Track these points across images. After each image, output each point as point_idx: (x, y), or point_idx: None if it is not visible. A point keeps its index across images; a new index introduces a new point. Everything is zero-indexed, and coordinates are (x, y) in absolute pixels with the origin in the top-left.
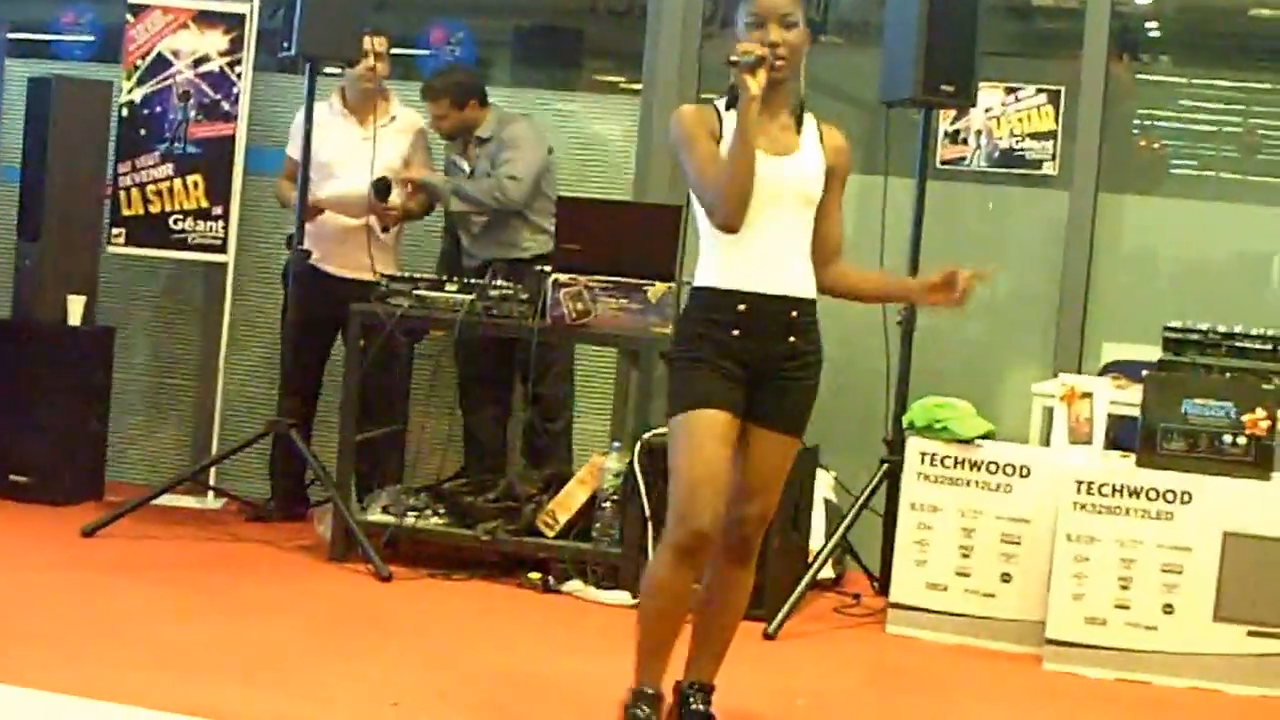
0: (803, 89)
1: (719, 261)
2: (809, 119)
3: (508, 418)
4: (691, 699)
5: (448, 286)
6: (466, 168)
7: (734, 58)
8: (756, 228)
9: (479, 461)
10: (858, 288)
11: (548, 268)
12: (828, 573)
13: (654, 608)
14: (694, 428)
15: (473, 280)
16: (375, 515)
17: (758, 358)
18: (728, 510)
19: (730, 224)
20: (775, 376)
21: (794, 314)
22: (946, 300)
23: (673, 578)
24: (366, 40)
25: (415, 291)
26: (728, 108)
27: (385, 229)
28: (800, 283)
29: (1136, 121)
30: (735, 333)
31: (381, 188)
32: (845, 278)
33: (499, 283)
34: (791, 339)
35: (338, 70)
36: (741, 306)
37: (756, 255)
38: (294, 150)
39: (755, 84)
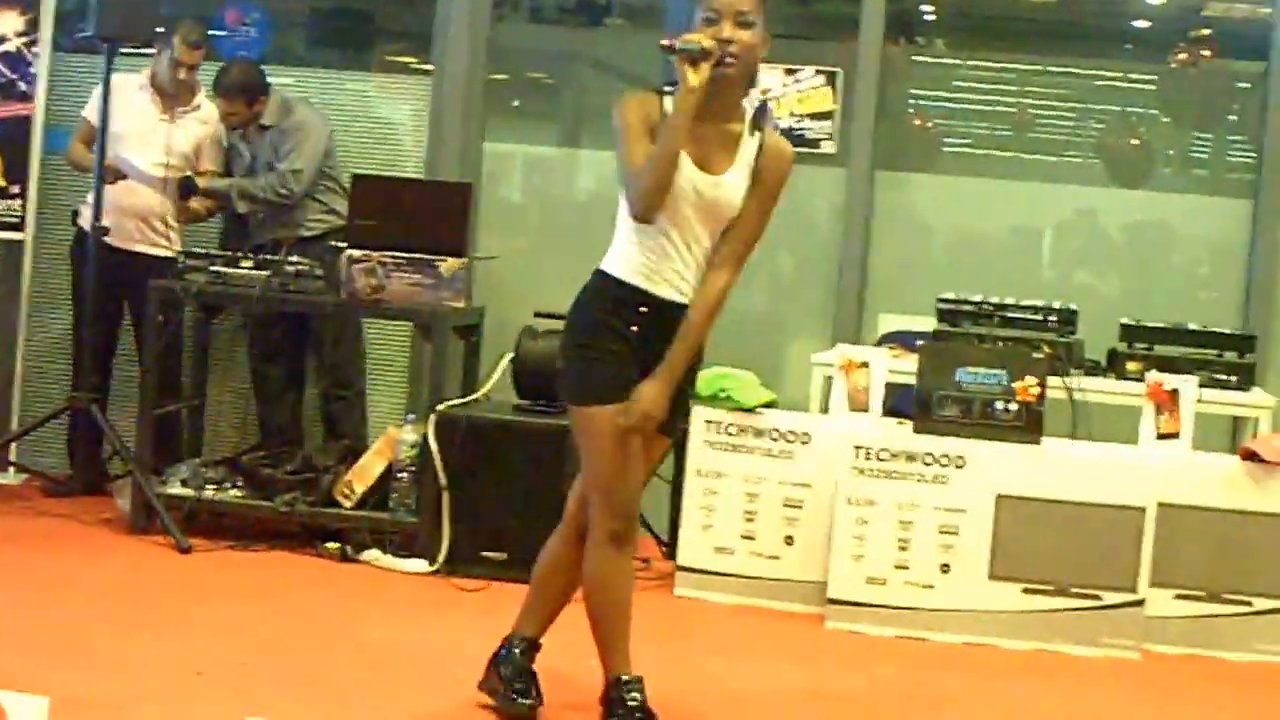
0: (755, 95)
1: (633, 255)
2: (753, 134)
3: (302, 391)
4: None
5: (244, 263)
6: (247, 154)
7: (669, 42)
8: (672, 234)
9: (275, 435)
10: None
11: (340, 244)
12: None
13: (605, 599)
14: (607, 423)
15: (268, 256)
16: (175, 488)
17: (648, 358)
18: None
19: (646, 216)
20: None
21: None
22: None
23: (606, 568)
24: (178, 46)
25: (212, 268)
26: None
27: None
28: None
29: (912, 101)
30: (634, 329)
31: (187, 188)
32: (697, 297)
33: (294, 259)
34: None
35: (153, 51)
36: (644, 308)
37: (670, 261)
38: (90, 113)
39: (695, 77)
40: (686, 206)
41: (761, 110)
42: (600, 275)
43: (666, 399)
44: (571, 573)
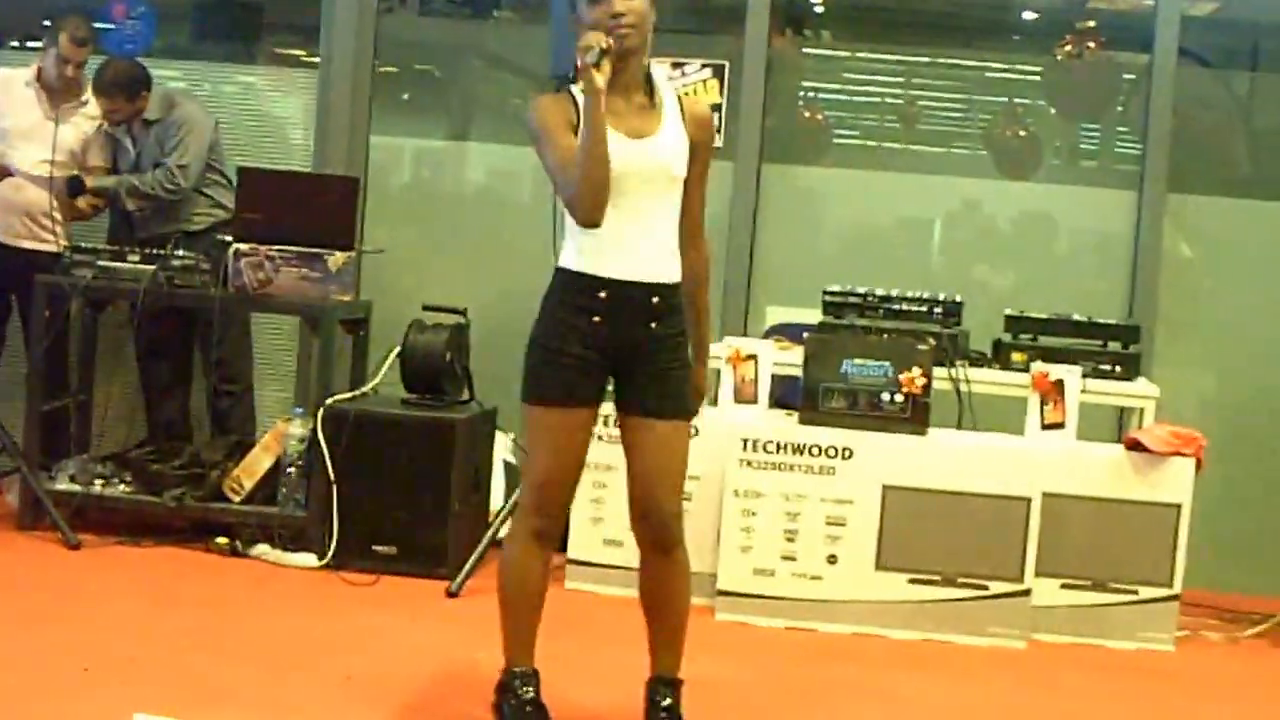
0: (648, 62)
1: (582, 245)
2: (668, 92)
3: (189, 386)
4: (656, 694)
5: (130, 257)
6: (133, 150)
7: (579, 63)
8: (619, 213)
9: (164, 430)
10: (687, 299)
11: (227, 237)
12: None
13: (512, 591)
14: (551, 424)
15: (155, 251)
16: (63, 484)
17: (619, 345)
18: (637, 503)
19: (590, 221)
20: (646, 364)
21: (655, 300)
22: None
23: (525, 560)
24: (63, 43)
25: (98, 263)
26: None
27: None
28: (662, 267)
29: (801, 94)
30: (596, 319)
31: (75, 186)
32: (690, 281)
33: (180, 253)
34: (653, 325)
35: (39, 45)
36: (603, 294)
37: (619, 241)
38: None
39: (600, 77)
40: (629, 181)
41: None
42: (557, 271)
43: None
44: (655, 593)
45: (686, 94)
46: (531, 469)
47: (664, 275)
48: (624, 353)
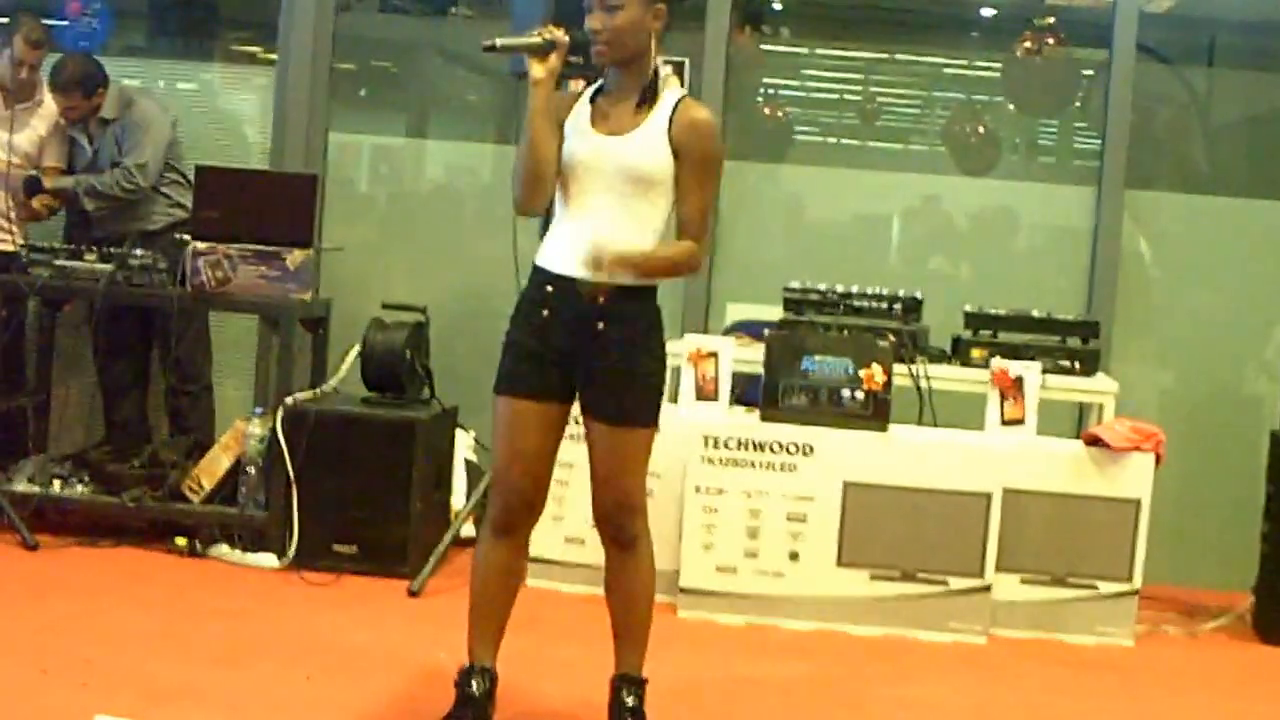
0: (654, 67)
1: (552, 240)
2: (668, 97)
3: (147, 385)
4: (621, 692)
5: (87, 256)
6: (89, 147)
7: (488, 42)
8: (579, 210)
9: (121, 430)
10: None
11: (185, 236)
12: (469, 530)
13: (477, 584)
14: (504, 413)
15: (112, 250)
16: (21, 485)
17: (565, 341)
18: (595, 500)
19: (520, 208)
20: (593, 364)
21: (602, 300)
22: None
23: (491, 554)
24: (18, 44)
25: (56, 261)
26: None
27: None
28: None
29: (761, 91)
30: (545, 313)
31: (32, 186)
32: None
33: (138, 252)
34: (600, 324)
35: None
36: (549, 287)
37: (574, 237)
38: None
39: (540, 68)
40: (588, 178)
41: (658, 77)
42: (531, 268)
43: (625, 257)
44: (614, 588)
45: (691, 101)
46: (493, 460)
47: (616, 276)
48: (573, 351)
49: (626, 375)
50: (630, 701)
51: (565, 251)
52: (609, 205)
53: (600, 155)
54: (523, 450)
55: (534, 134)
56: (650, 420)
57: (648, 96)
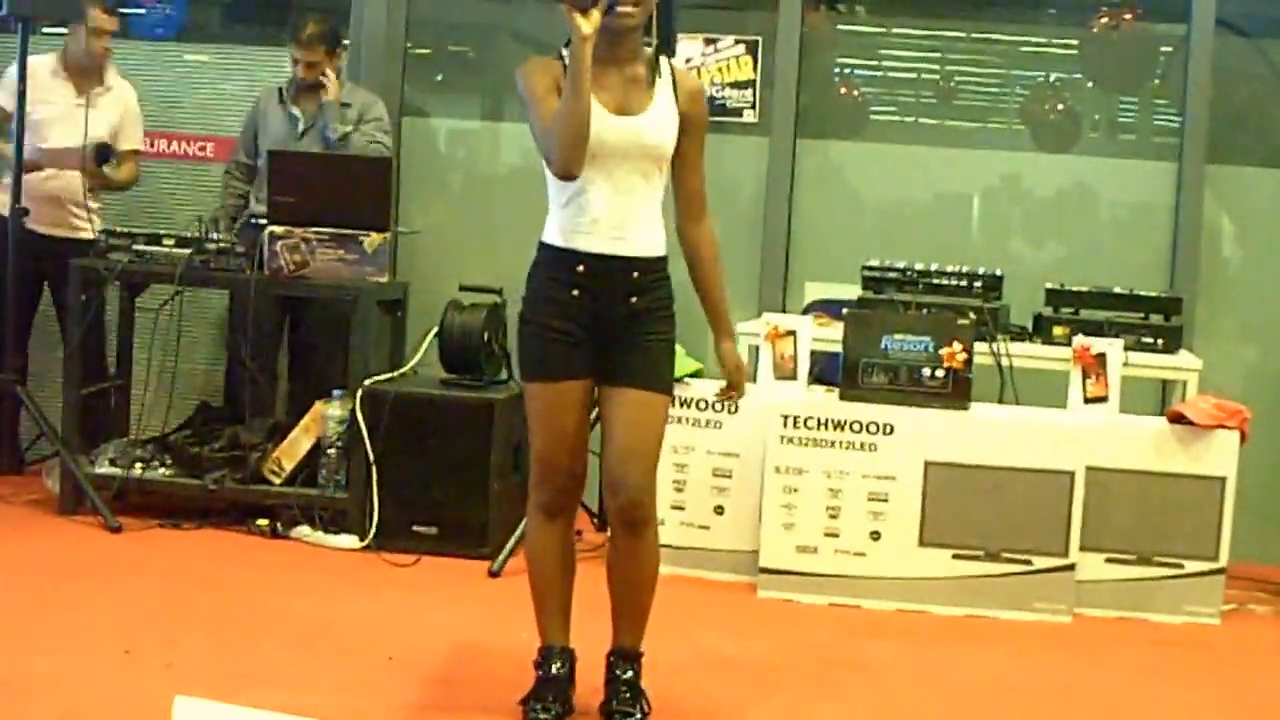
0: (654, 40)
1: (562, 219)
2: (665, 68)
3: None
4: (617, 666)
5: (165, 241)
6: (300, 119)
7: None
8: (600, 187)
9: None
10: (696, 279)
11: (261, 220)
12: None
13: (534, 569)
14: (543, 398)
15: (191, 234)
16: (103, 468)
17: (599, 318)
18: (608, 476)
19: (567, 171)
20: (623, 336)
21: (635, 275)
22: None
23: (542, 538)
24: (94, 15)
25: (134, 246)
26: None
27: (92, 190)
28: (644, 242)
29: (836, 70)
30: (575, 293)
31: (103, 153)
32: (695, 261)
33: (216, 235)
34: (633, 299)
35: (63, 30)
36: (581, 267)
37: (598, 215)
38: (4, 99)
39: (587, 24)
40: (611, 156)
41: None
42: (539, 246)
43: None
44: (618, 569)
45: (681, 70)
46: (532, 445)
47: (645, 249)
48: (604, 326)
49: (661, 343)
50: (627, 675)
51: (596, 231)
52: (632, 183)
53: (617, 136)
54: (566, 431)
55: (586, 92)
56: (671, 388)
57: (653, 70)
